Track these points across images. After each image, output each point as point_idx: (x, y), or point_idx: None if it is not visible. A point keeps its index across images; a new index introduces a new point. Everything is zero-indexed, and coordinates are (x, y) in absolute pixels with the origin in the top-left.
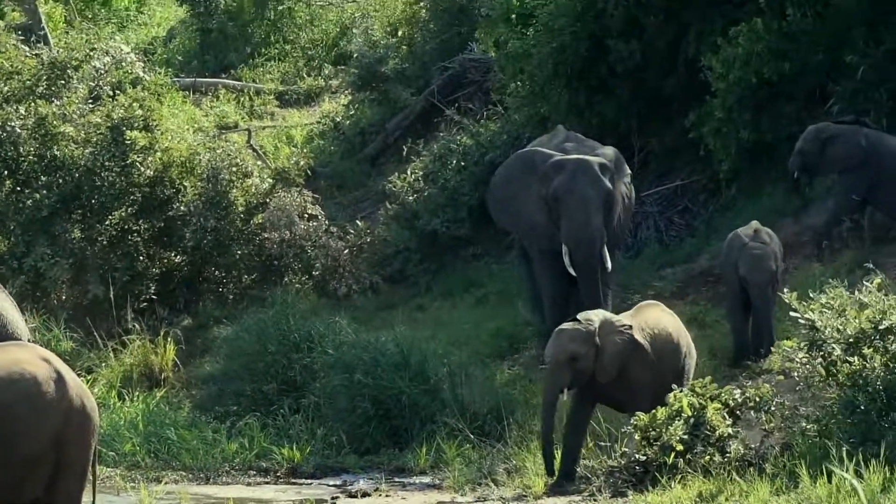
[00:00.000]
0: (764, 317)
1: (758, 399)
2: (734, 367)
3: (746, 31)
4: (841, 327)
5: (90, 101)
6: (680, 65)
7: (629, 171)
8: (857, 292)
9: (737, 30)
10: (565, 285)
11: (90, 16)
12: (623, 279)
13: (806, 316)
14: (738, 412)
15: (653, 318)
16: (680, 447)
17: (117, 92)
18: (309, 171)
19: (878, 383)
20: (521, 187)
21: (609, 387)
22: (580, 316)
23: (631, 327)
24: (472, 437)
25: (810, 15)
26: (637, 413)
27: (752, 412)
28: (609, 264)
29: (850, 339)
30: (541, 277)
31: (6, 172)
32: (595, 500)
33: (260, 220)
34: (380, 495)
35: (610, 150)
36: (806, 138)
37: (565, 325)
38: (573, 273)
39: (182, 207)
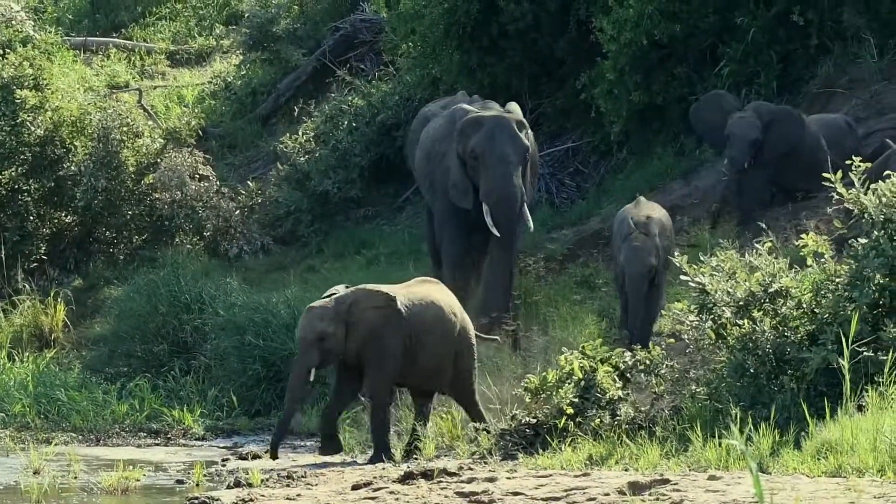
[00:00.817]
0: (634, 307)
1: (648, 362)
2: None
3: None
4: (731, 290)
5: None
6: (571, 26)
7: (528, 129)
8: (746, 255)
9: None
10: (466, 244)
11: None
12: None
13: (696, 279)
14: (628, 375)
15: (423, 294)
16: (570, 410)
17: (7, 51)
18: (200, 132)
19: (768, 346)
20: (445, 146)
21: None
22: (331, 291)
23: (395, 299)
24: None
25: None
26: (528, 376)
27: (642, 375)
28: (531, 223)
29: (740, 303)
30: (443, 233)
31: None
32: (486, 463)
33: (151, 181)
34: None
35: (515, 106)
36: None
37: (315, 303)
38: (495, 232)
39: (72, 167)
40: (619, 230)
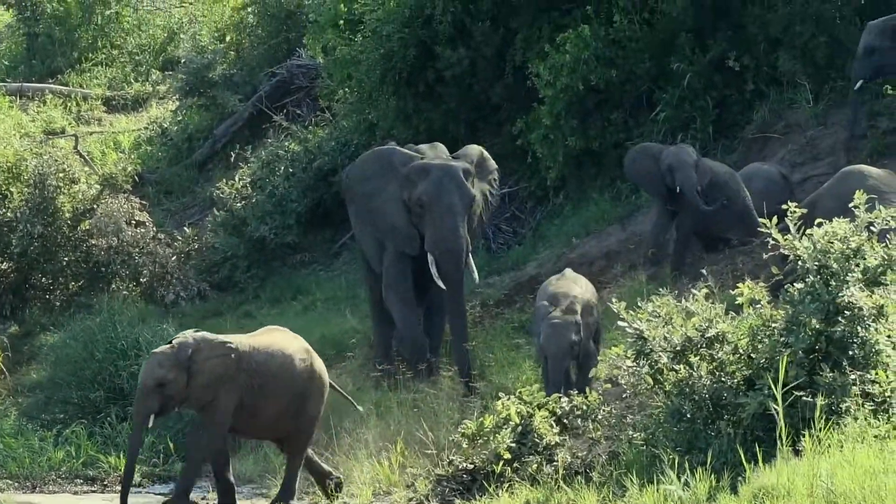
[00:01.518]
0: (555, 384)
1: (585, 407)
2: None
3: (573, 37)
4: (668, 336)
5: None
6: (508, 72)
7: (495, 167)
8: (683, 301)
9: (564, 37)
10: (414, 287)
11: None
12: None
13: (633, 325)
14: (565, 420)
15: (269, 343)
16: (507, 455)
17: None
18: (136, 178)
19: (705, 392)
20: (379, 186)
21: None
22: (176, 338)
23: (236, 349)
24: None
25: (637, 22)
26: (465, 421)
27: (579, 420)
28: (476, 275)
29: (677, 348)
30: (393, 278)
31: None
32: None
33: (87, 227)
34: (207, 503)
35: (474, 150)
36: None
37: (157, 349)
38: (440, 284)
39: (8, 213)
40: (539, 308)
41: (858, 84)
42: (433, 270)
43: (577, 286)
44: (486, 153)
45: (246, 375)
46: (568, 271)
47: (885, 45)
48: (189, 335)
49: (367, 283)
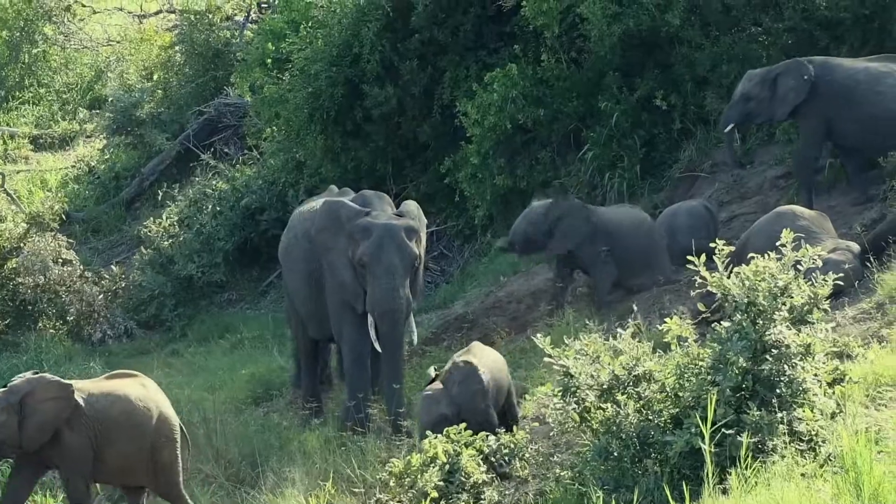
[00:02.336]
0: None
1: (512, 446)
2: None
3: (501, 76)
4: (595, 374)
5: None
6: (435, 110)
7: (425, 221)
8: (611, 339)
9: (491, 76)
10: (366, 337)
11: None
12: None
13: (560, 362)
14: (492, 459)
15: (113, 387)
16: (435, 494)
17: None
18: (63, 216)
19: (632, 430)
20: (329, 240)
21: (46, 452)
22: (12, 382)
23: (72, 390)
24: (226, 483)
25: (565, 61)
26: (392, 460)
27: (506, 459)
28: (415, 337)
29: (604, 386)
30: (346, 332)
31: None
32: None
33: (14, 265)
34: None
35: (413, 206)
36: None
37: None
38: (377, 346)
39: None
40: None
41: (729, 127)
42: (371, 332)
43: (479, 359)
44: (419, 208)
45: (88, 420)
46: (475, 344)
47: (761, 95)
48: (25, 377)
49: (293, 324)
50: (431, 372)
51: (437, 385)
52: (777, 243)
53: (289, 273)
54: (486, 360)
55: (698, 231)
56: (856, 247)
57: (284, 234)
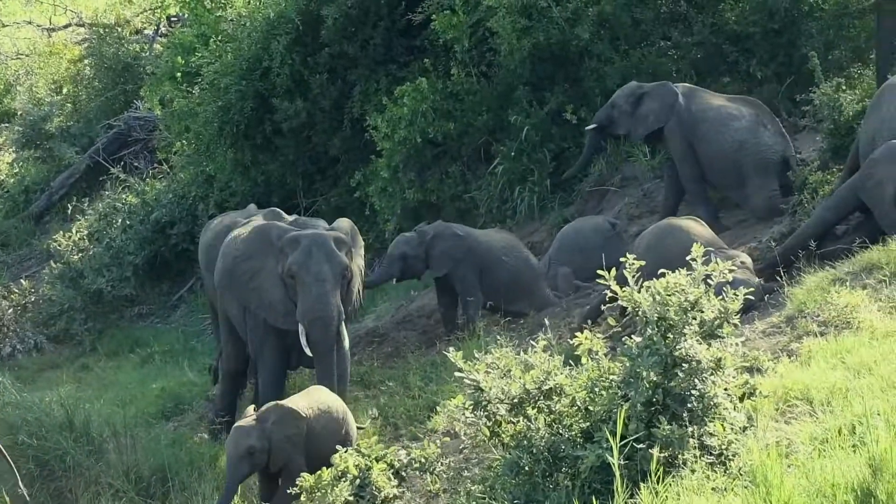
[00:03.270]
0: (227, 489)
1: (423, 460)
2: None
3: (411, 90)
4: (506, 387)
5: None
6: (346, 124)
7: (362, 242)
8: (522, 353)
9: (401, 90)
10: (285, 362)
11: None
12: None
13: (471, 376)
14: (403, 473)
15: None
16: None
17: None
18: None
19: (542, 444)
20: (256, 264)
21: None
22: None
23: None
24: (136, 498)
25: (475, 75)
26: (302, 474)
27: (417, 473)
28: (347, 343)
29: (515, 400)
30: (263, 351)
31: None
32: None
33: None
34: None
35: (345, 223)
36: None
37: (242, 422)
38: (308, 352)
39: None
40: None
41: (590, 127)
42: (302, 340)
43: (309, 405)
44: (355, 227)
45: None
46: (317, 388)
47: (624, 108)
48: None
49: (228, 348)
50: (251, 409)
51: (251, 418)
52: (688, 257)
53: (227, 301)
54: (317, 408)
55: (600, 248)
56: (749, 259)
57: (219, 259)
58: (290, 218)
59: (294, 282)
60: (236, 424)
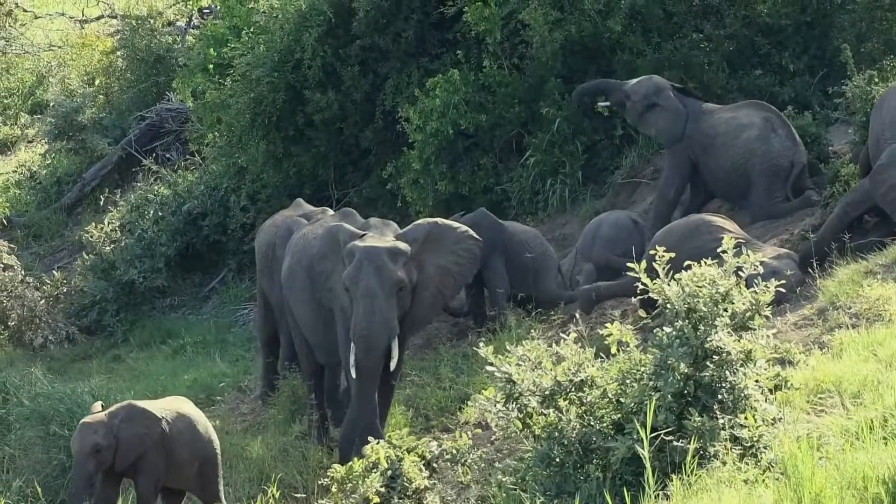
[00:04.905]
0: (75, 487)
1: (455, 451)
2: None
3: (443, 82)
4: (537, 380)
5: None
6: (377, 116)
7: (462, 234)
8: (553, 345)
9: (433, 81)
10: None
11: None
12: None
13: (502, 369)
14: (434, 464)
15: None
16: (376, 499)
17: None
18: (5, 221)
19: (574, 436)
20: (329, 265)
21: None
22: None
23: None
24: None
25: (507, 67)
26: (334, 465)
27: (449, 464)
28: (393, 363)
29: (546, 392)
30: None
31: None
32: None
33: None
34: None
35: (422, 225)
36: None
37: (89, 418)
38: (351, 374)
39: None
40: None
41: (606, 104)
42: (350, 357)
43: (171, 413)
44: (443, 223)
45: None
46: (181, 399)
47: (637, 106)
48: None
49: (299, 349)
50: (98, 406)
51: (100, 415)
52: (719, 249)
53: (294, 301)
54: (175, 412)
55: (620, 242)
56: (795, 254)
57: (287, 258)
58: (361, 221)
59: (349, 294)
60: (83, 421)
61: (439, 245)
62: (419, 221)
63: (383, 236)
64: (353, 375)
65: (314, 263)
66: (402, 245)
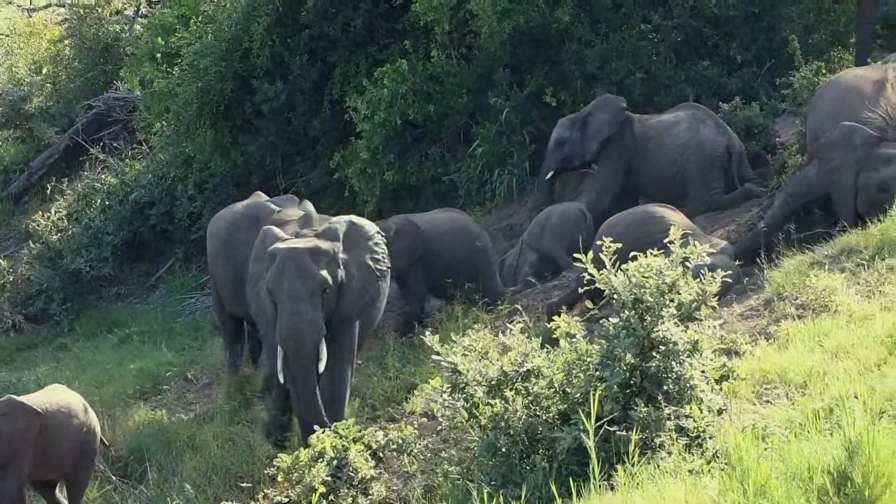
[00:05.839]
0: None
1: (401, 441)
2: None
3: (391, 72)
4: (483, 370)
5: None
6: (325, 106)
7: (372, 231)
8: (500, 335)
9: (381, 71)
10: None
11: None
12: None
13: (448, 359)
14: (380, 454)
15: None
16: (322, 489)
17: None
18: None
19: (520, 426)
20: (259, 270)
21: None
22: None
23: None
24: (113, 478)
25: (455, 57)
26: (280, 455)
27: (395, 454)
28: (321, 365)
29: (493, 382)
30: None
31: None
32: None
33: None
34: None
35: (341, 222)
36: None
37: None
38: (280, 378)
39: None
40: None
41: (548, 175)
42: (278, 362)
43: (46, 402)
44: (356, 220)
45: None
46: (57, 387)
47: (574, 137)
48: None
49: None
50: None
51: None
52: (665, 240)
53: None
54: (55, 405)
55: (567, 233)
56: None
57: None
58: (298, 214)
59: (273, 298)
60: None
61: (357, 242)
62: (333, 220)
63: (300, 235)
64: (282, 380)
65: (249, 266)
66: (324, 244)
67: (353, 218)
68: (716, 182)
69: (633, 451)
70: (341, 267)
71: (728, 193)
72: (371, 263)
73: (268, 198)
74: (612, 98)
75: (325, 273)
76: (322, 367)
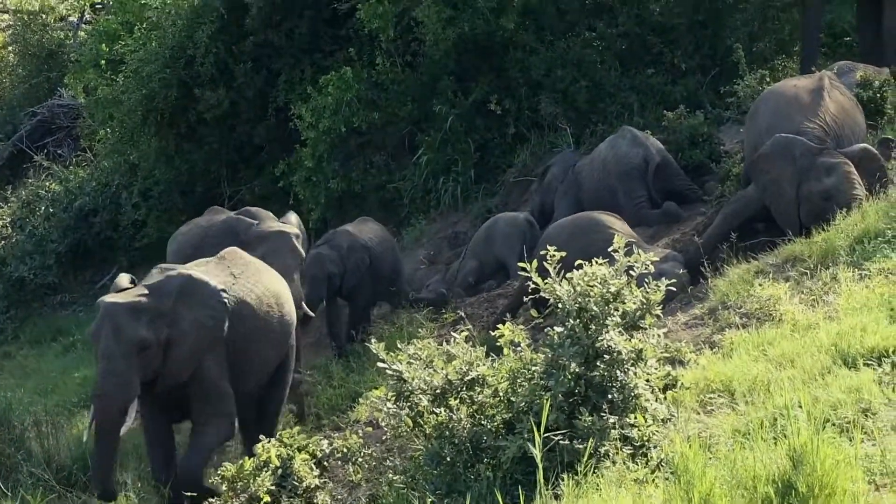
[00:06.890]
0: None
1: (345, 450)
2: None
3: (336, 80)
4: (428, 378)
5: None
6: (270, 113)
7: (211, 291)
8: (444, 344)
9: (326, 79)
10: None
11: None
12: None
13: (393, 367)
14: (325, 463)
15: None
16: (267, 498)
17: None
18: None
19: (465, 435)
20: None
21: None
22: None
23: None
24: (57, 487)
25: (399, 65)
26: (224, 464)
27: (339, 463)
28: (128, 424)
29: (437, 391)
30: None
31: None
32: None
33: None
34: None
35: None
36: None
37: None
38: (84, 435)
39: None
40: None
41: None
42: (88, 416)
43: None
44: (196, 277)
45: None
46: None
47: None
48: None
49: None
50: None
51: None
52: (610, 249)
53: None
54: None
55: (513, 242)
56: (680, 255)
57: None
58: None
59: None
60: None
61: (193, 299)
62: (170, 273)
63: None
64: (84, 437)
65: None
66: (148, 301)
67: (194, 272)
68: (637, 191)
69: (585, 458)
70: (171, 323)
71: (653, 200)
72: (207, 322)
73: (229, 213)
74: (565, 155)
75: (145, 332)
76: (126, 427)
